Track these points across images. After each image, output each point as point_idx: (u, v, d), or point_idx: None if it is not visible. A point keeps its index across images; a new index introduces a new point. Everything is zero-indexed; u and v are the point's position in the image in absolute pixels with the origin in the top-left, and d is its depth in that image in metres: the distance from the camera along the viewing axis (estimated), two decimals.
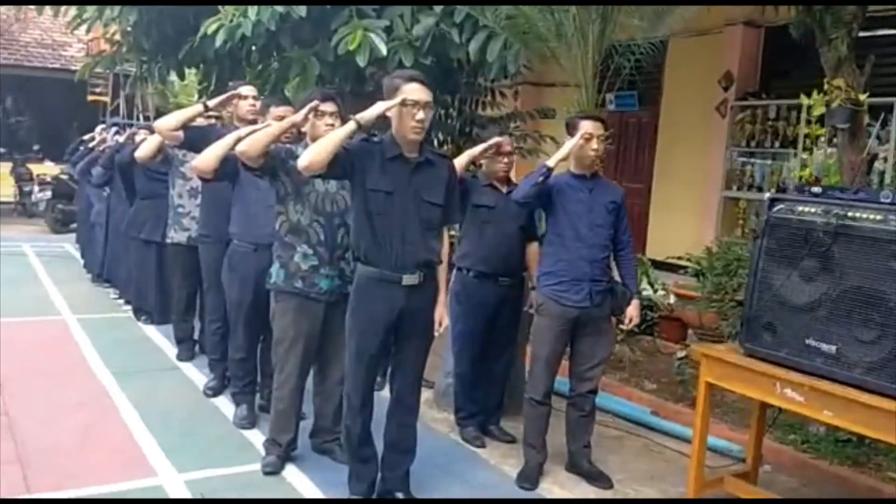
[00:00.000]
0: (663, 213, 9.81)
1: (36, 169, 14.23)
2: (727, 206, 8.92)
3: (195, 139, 4.61)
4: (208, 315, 4.95)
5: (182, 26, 7.93)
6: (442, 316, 3.42)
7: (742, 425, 4.50)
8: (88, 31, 8.77)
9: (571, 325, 3.78)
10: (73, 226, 12.32)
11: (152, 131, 6.70)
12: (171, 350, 5.84)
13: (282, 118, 4.17)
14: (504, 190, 4.30)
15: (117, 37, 9.05)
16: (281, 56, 6.96)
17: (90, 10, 7.88)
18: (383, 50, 5.90)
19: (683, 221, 9.19)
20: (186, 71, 9.21)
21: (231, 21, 6.10)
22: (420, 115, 3.17)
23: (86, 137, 9.60)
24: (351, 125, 3.14)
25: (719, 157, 9.00)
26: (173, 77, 14.88)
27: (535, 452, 3.90)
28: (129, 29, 8.33)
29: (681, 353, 5.72)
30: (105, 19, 8.15)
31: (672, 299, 6.60)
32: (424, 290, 3.33)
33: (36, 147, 15.88)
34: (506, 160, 4.33)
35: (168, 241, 5.55)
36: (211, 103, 4.66)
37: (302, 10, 5.88)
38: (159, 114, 15.81)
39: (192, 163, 4.09)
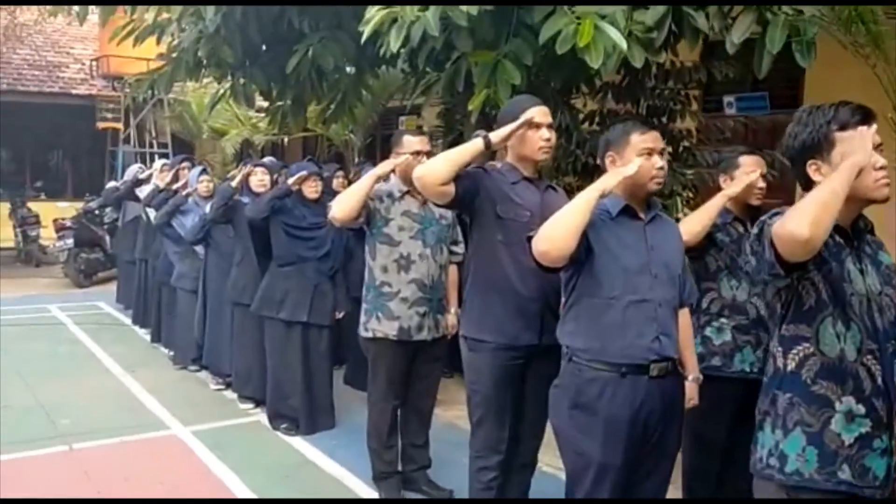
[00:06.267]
0: None
1: (43, 210, 12.25)
2: None
3: (470, 194, 2.96)
4: (479, 459, 3.20)
5: (277, 32, 6.22)
6: None
7: None
8: (136, 43, 6.94)
9: None
10: (100, 276, 10.57)
11: (271, 170, 5.03)
12: (361, 486, 4.09)
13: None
14: None
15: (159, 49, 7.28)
16: (449, 62, 5.22)
17: (158, 14, 6.11)
18: (623, 45, 4.19)
19: None
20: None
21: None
22: None
23: (142, 176, 7.75)
24: None
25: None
26: (189, 98, 13.44)
27: None
28: (198, 38, 6.54)
29: None
30: (172, 28, 6.41)
31: None
32: None
33: (38, 184, 13.87)
34: None
35: (366, 333, 3.81)
36: (495, 137, 2.97)
37: None
38: (176, 141, 13.98)
39: (536, 245, 2.42)
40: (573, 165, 5.72)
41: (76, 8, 6.68)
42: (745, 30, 4.28)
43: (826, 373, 1.97)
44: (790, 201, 6.14)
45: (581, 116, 6.07)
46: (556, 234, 2.38)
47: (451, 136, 8.56)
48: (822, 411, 1.97)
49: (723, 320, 3.31)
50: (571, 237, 2.39)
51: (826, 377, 1.97)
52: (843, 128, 1.96)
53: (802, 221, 1.75)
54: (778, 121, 8.85)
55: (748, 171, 3.34)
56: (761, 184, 3.36)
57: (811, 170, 2.02)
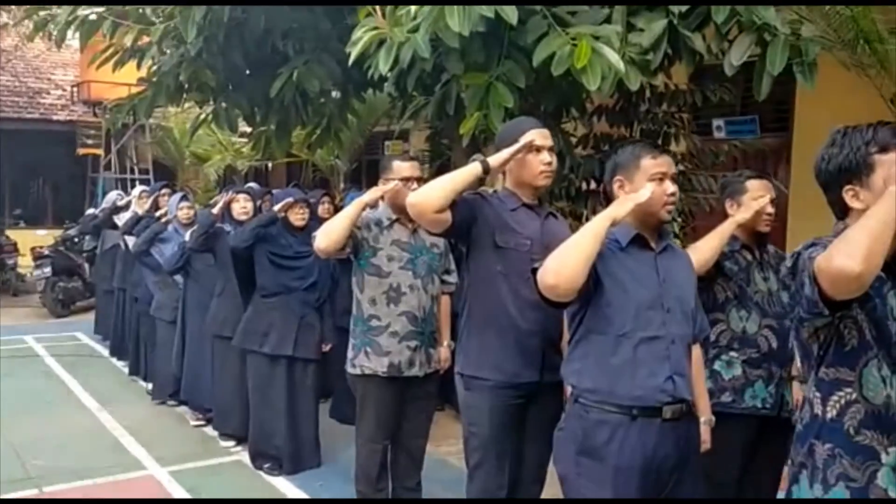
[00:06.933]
0: None
1: (21, 238, 11.95)
2: None
3: (467, 222, 2.78)
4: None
5: (260, 55, 6.06)
6: None
7: None
8: (116, 67, 6.75)
9: None
10: (78, 305, 10.30)
11: (254, 196, 4.87)
12: None
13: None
14: None
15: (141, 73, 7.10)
16: (438, 85, 5.06)
17: (139, 38, 5.92)
18: (620, 67, 4.03)
19: None
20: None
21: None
22: None
23: (121, 203, 7.53)
24: None
25: None
26: (171, 123, 13.26)
27: None
28: (179, 62, 6.35)
29: None
30: (152, 52, 6.24)
31: None
32: None
33: (17, 211, 13.56)
34: None
35: (353, 370, 3.60)
36: (493, 161, 2.79)
37: (512, 17, 4.03)
38: (158, 167, 13.77)
39: (543, 279, 2.23)
40: (566, 190, 5.56)
41: (55, 32, 6.48)
42: (745, 51, 4.14)
43: (871, 421, 1.78)
44: (782, 225, 5.87)
45: (574, 140, 5.93)
46: (564, 267, 2.19)
47: (439, 161, 8.42)
48: (866, 464, 1.78)
49: (732, 354, 3.13)
50: (581, 270, 2.20)
51: (871, 426, 1.78)
52: (883, 150, 1.79)
53: (853, 256, 1.56)
54: (768, 144, 8.77)
55: (756, 197, 3.18)
56: (770, 209, 3.20)
57: (848, 195, 1.85)
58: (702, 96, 5.75)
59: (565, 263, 2.20)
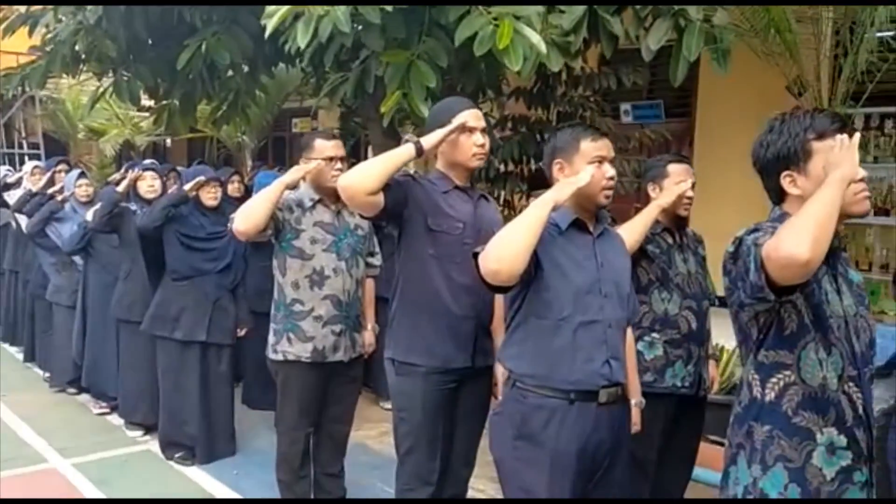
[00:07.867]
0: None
1: None
2: None
3: (399, 205, 2.72)
4: (408, 491, 2.92)
5: (165, 25, 5.76)
6: None
7: None
8: (5, 35, 6.30)
9: None
10: None
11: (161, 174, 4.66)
12: None
13: None
14: None
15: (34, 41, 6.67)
16: (355, 62, 4.92)
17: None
18: (542, 48, 4.02)
19: None
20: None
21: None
22: None
23: (10, 179, 7.05)
24: None
25: None
26: (63, 95, 12.53)
27: None
28: (77, 30, 5.97)
29: None
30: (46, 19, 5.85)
31: None
32: None
33: None
34: None
35: (275, 356, 3.48)
36: (426, 142, 2.72)
37: None
38: (49, 141, 13.01)
39: (485, 264, 2.19)
40: (486, 172, 5.55)
41: None
42: (662, 36, 4.19)
43: (808, 403, 1.82)
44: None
45: (493, 122, 5.92)
46: (506, 253, 2.15)
47: (352, 140, 8.26)
48: (803, 444, 1.82)
49: (654, 335, 3.19)
50: (523, 255, 2.17)
51: (808, 408, 1.82)
52: (820, 136, 1.83)
53: (802, 242, 1.58)
54: (671, 129, 8.98)
55: (677, 181, 3.24)
56: (690, 193, 3.26)
57: (786, 182, 1.88)
58: (616, 80, 5.82)
59: (507, 248, 2.16)
